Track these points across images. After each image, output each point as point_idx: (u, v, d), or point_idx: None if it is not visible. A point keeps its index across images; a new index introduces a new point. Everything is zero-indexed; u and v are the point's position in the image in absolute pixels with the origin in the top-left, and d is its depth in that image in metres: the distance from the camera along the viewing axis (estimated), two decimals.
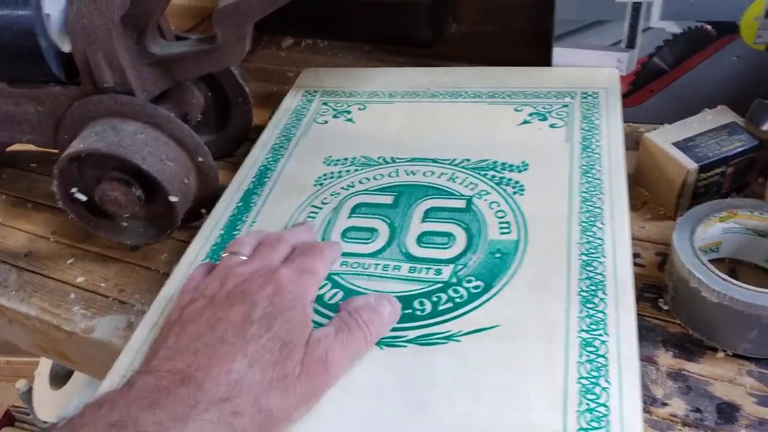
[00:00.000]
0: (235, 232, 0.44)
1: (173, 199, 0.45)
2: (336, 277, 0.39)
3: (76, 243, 0.53)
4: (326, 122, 0.54)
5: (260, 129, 0.55)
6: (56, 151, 0.49)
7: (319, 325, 0.34)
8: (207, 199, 0.49)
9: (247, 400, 0.29)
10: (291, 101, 0.57)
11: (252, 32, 0.46)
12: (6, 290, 0.49)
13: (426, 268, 0.39)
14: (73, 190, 0.47)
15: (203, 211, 0.49)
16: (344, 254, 0.41)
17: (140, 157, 0.44)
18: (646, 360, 0.37)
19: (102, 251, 0.51)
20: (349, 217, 0.43)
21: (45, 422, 1.17)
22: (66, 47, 0.45)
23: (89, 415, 0.27)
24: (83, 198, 0.47)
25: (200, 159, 0.47)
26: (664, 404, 0.35)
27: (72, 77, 0.47)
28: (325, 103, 0.56)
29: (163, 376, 0.29)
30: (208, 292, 0.33)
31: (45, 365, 1.19)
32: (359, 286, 0.38)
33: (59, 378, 1.17)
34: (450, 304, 0.36)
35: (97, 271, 0.50)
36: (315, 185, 0.47)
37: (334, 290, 0.38)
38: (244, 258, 0.36)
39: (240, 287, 0.32)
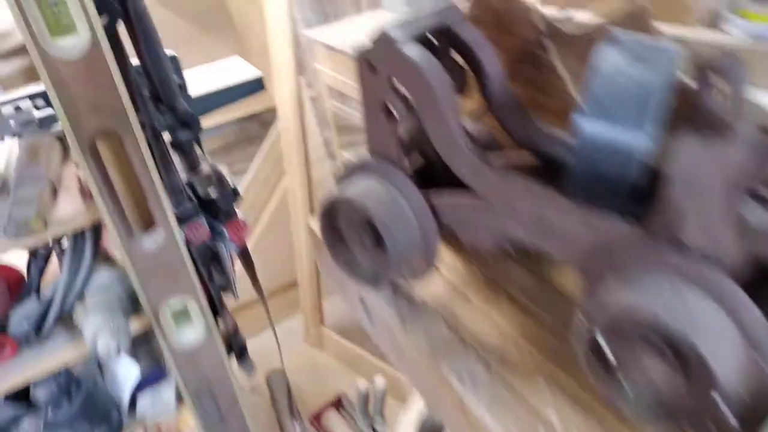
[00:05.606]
0: None
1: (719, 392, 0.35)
2: None
3: (548, 360, 0.46)
4: None
5: None
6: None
7: None
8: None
9: None
10: None
11: None
12: (474, 386, 0.44)
13: None
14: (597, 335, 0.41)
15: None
16: None
17: (703, 340, 0.36)
18: None
19: (576, 392, 0.42)
20: None
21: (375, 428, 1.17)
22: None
23: None
24: (608, 352, 0.40)
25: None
26: None
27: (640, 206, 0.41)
28: None
29: None
30: None
31: (416, 414, 1.14)
32: None
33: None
34: None
35: (570, 415, 0.41)
36: None
37: None
38: None
39: None
